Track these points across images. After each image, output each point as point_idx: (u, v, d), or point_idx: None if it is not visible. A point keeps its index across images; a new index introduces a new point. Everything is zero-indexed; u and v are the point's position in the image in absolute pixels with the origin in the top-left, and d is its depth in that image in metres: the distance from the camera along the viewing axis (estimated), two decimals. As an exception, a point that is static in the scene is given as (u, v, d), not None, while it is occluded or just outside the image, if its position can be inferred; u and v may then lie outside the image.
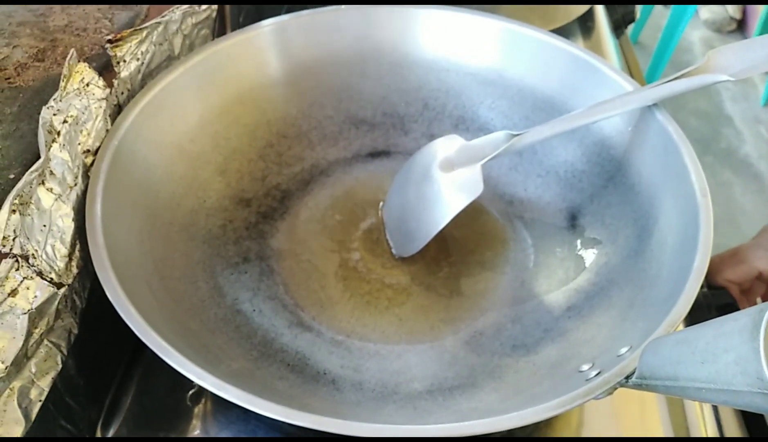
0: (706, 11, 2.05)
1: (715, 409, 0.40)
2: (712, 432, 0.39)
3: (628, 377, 0.27)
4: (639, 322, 0.32)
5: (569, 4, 0.63)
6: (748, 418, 0.41)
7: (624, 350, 0.30)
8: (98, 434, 0.36)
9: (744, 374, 0.20)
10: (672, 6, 1.63)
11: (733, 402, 0.21)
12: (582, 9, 0.64)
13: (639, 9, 1.68)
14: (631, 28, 1.84)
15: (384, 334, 0.39)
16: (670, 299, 0.31)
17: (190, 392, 0.37)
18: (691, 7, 1.58)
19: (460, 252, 0.44)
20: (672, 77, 0.38)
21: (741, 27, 2.05)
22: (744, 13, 2.02)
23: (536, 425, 0.37)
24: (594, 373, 0.29)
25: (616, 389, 0.27)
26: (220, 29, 0.49)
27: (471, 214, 0.44)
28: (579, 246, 0.42)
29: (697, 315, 0.43)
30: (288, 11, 0.46)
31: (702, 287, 0.46)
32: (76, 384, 0.33)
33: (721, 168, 1.58)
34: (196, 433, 0.36)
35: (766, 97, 1.78)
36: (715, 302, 0.46)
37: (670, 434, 0.38)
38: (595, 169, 0.43)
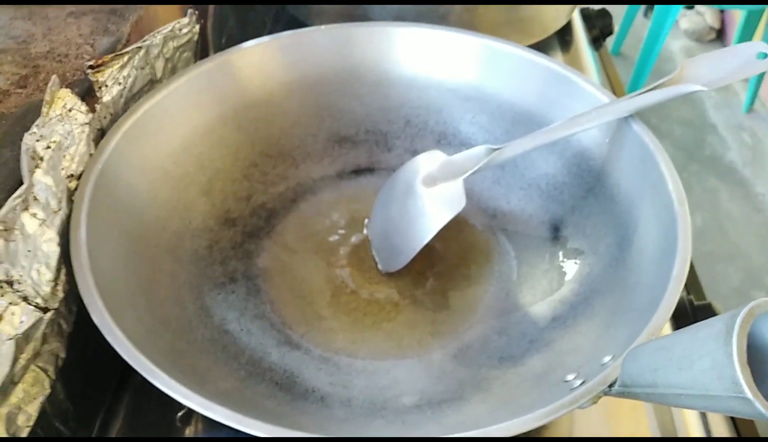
0: (686, 21, 2.08)
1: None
2: (700, 433, 0.39)
3: (611, 386, 0.27)
4: (621, 330, 0.33)
5: (554, 4, 0.63)
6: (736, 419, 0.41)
7: (607, 358, 0.30)
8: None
9: (720, 378, 0.20)
10: (652, 15, 1.65)
11: (711, 407, 0.22)
12: (559, 23, 0.65)
13: (617, 21, 1.70)
14: (611, 40, 1.87)
15: (372, 349, 0.39)
16: (651, 306, 0.31)
17: (180, 414, 0.37)
18: (671, 15, 1.60)
19: (445, 266, 0.44)
20: (646, 88, 0.38)
21: (720, 36, 2.08)
22: (723, 22, 2.06)
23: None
24: (578, 382, 0.29)
25: (600, 397, 0.28)
26: (202, 52, 0.49)
27: (455, 228, 0.45)
28: (562, 257, 0.42)
29: (681, 323, 0.43)
30: (270, 32, 0.47)
31: (687, 293, 0.47)
32: (65, 409, 0.33)
33: (707, 175, 1.60)
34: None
35: (748, 105, 1.80)
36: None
37: (657, 435, 0.38)
38: (576, 181, 0.44)
